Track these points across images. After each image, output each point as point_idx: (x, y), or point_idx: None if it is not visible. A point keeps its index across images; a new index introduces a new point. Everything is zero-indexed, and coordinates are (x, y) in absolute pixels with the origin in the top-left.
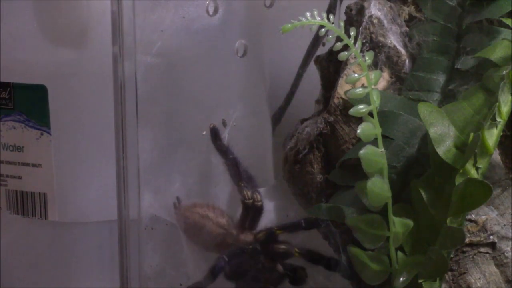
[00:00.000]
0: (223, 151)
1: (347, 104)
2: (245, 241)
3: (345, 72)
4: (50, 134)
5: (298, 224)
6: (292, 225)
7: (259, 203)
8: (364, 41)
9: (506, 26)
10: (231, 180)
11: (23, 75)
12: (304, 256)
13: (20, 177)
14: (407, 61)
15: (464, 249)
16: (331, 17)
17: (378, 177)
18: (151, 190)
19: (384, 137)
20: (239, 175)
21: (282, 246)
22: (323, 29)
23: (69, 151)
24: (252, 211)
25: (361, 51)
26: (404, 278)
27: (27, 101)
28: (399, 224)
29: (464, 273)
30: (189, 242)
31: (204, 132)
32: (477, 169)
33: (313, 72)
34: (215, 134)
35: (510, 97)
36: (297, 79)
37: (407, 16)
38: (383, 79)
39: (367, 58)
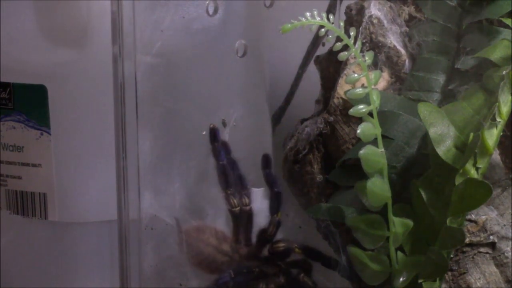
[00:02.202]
0: (216, 154)
1: (347, 104)
2: (247, 261)
3: (345, 72)
4: (50, 134)
5: (276, 194)
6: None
7: (248, 207)
8: (364, 41)
9: (506, 26)
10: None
11: (23, 75)
12: (304, 251)
13: (20, 177)
14: (407, 61)
15: (464, 249)
16: (331, 17)
17: (378, 177)
18: (151, 190)
19: (384, 137)
20: (227, 182)
21: (282, 244)
22: (323, 29)
23: (69, 151)
24: (242, 219)
25: (361, 51)
26: (404, 278)
27: (27, 101)
28: (399, 224)
29: (464, 273)
30: (192, 265)
31: (204, 132)
32: (477, 169)
33: (313, 72)
34: (214, 135)
35: (510, 97)
36: (297, 79)
37: (407, 16)
38: (383, 79)
39: (367, 58)
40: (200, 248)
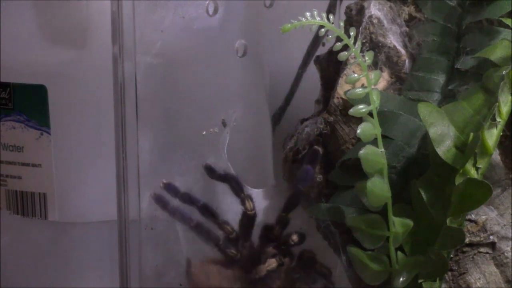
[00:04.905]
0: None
1: (347, 104)
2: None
3: (345, 72)
4: (50, 134)
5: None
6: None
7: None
8: (364, 41)
9: (506, 26)
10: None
11: (23, 75)
12: (287, 208)
13: (20, 177)
14: (407, 61)
15: (464, 249)
16: (331, 17)
17: (378, 177)
18: (151, 190)
19: (384, 137)
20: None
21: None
22: (323, 29)
23: (69, 151)
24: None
25: (361, 51)
26: (404, 278)
27: (27, 101)
28: (399, 224)
29: (464, 273)
30: None
31: (204, 132)
32: (477, 169)
33: (313, 72)
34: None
35: (510, 97)
36: (297, 79)
37: (407, 16)
38: (383, 79)
39: (367, 58)
40: None
